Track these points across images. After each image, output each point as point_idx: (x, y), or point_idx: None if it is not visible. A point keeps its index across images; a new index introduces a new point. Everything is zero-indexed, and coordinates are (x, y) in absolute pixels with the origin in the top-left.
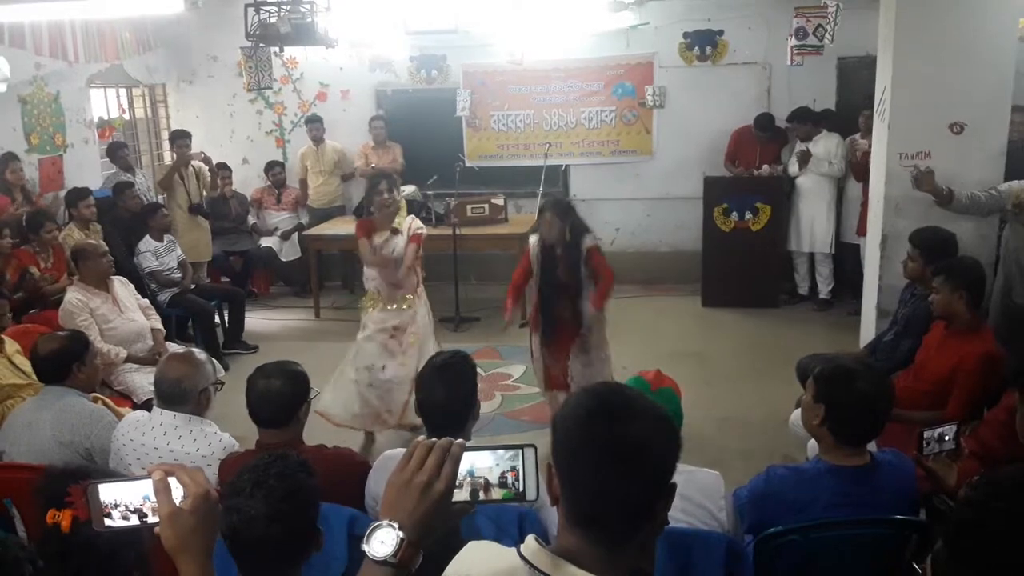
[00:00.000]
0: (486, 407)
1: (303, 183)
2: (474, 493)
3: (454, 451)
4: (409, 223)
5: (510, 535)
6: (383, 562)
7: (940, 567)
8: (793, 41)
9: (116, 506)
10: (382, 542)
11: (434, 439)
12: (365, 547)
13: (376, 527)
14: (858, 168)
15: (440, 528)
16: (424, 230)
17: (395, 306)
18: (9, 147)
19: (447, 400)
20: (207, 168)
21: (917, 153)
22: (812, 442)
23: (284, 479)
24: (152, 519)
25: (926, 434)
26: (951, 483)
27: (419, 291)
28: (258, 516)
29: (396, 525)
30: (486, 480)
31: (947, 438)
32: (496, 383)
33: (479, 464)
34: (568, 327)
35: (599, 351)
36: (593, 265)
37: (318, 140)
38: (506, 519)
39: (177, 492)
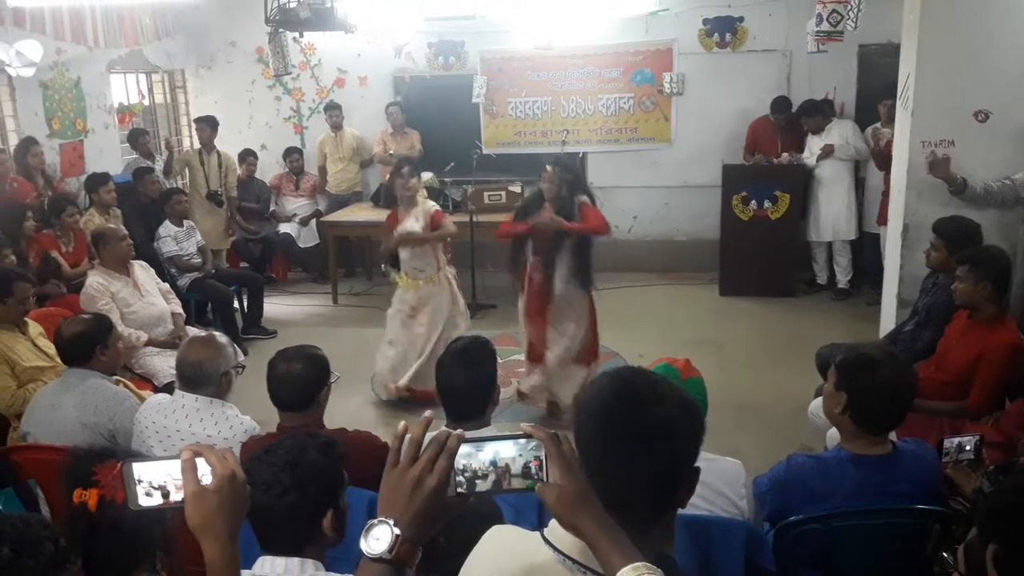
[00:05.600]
0: (503, 394)
1: (322, 170)
2: (497, 483)
3: (450, 444)
4: (426, 207)
5: (529, 520)
6: (379, 559)
7: (974, 555)
8: (813, 28)
9: (140, 482)
10: (378, 539)
11: (422, 432)
12: (362, 544)
13: (372, 524)
14: (880, 157)
15: (439, 523)
16: (443, 212)
17: (416, 287)
18: (31, 132)
19: (467, 385)
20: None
21: (940, 141)
22: (831, 431)
23: (291, 451)
24: (175, 497)
25: (946, 443)
26: (968, 491)
27: (440, 276)
28: (256, 483)
29: (391, 522)
30: (509, 469)
31: (967, 448)
32: (513, 370)
33: (502, 454)
34: (541, 292)
35: (578, 326)
36: (583, 213)
37: (337, 127)
38: (525, 503)
39: (204, 472)
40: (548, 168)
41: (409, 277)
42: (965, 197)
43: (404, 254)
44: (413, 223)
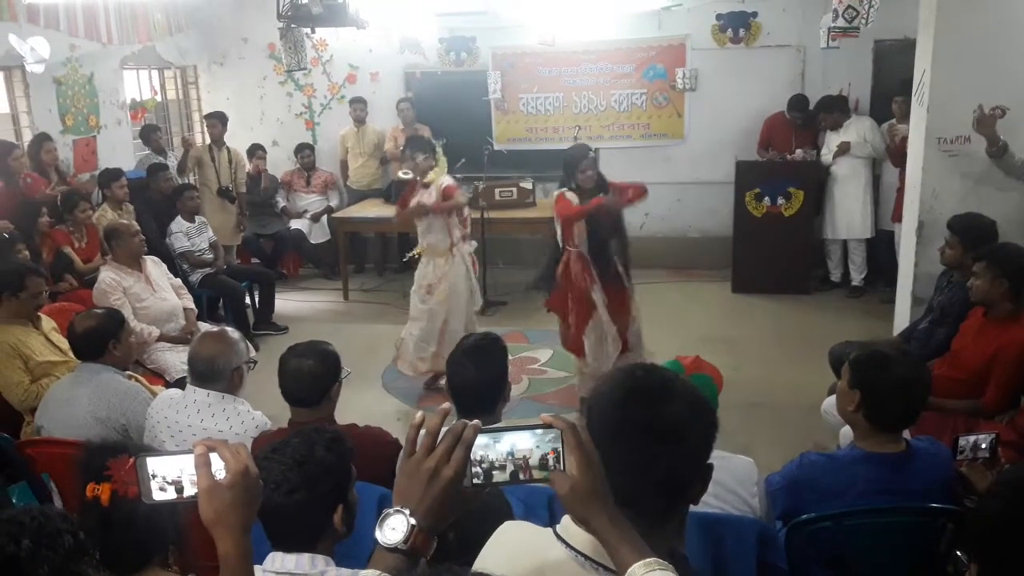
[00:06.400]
0: (513, 390)
1: (343, 164)
2: (514, 474)
3: (466, 435)
4: (439, 182)
5: (539, 516)
6: (394, 549)
7: None
8: (828, 23)
9: (154, 477)
10: (393, 529)
11: (439, 422)
12: (377, 534)
13: (387, 514)
14: (895, 153)
15: (454, 514)
16: (456, 186)
17: (432, 265)
18: (44, 128)
19: (478, 381)
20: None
21: (956, 138)
22: (844, 429)
23: (298, 449)
24: (189, 492)
25: (961, 441)
26: (983, 490)
27: (455, 251)
28: (266, 481)
29: (407, 512)
30: (527, 461)
31: (983, 446)
32: (523, 367)
33: (520, 445)
34: (617, 283)
35: (638, 310)
36: (614, 187)
37: (360, 121)
38: (535, 499)
39: (218, 467)
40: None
41: (425, 251)
42: (1001, 163)
43: (421, 228)
44: (427, 197)
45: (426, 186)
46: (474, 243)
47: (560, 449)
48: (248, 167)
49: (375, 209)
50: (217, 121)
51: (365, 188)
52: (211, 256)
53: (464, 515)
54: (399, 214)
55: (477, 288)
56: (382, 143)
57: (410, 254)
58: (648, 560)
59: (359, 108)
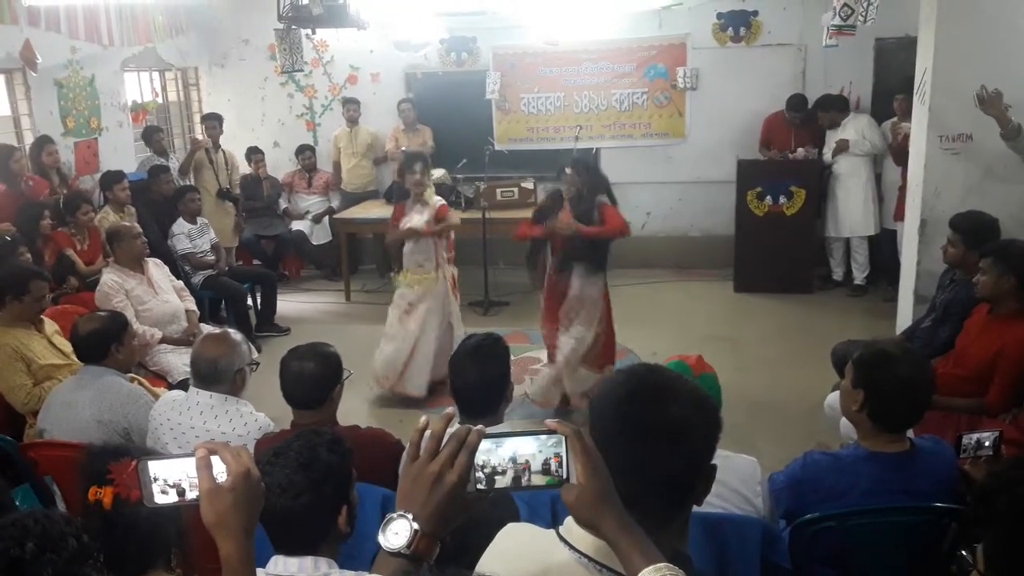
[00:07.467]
0: (515, 391)
1: (336, 165)
2: (516, 479)
3: (470, 440)
4: (432, 202)
5: (543, 517)
6: (397, 554)
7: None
8: (828, 21)
9: (156, 480)
10: (396, 533)
11: (443, 427)
12: (380, 538)
13: (391, 519)
14: (898, 152)
15: (457, 518)
16: (448, 206)
17: (416, 284)
18: (46, 130)
19: (480, 382)
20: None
21: (958, 136)
22: (843, 420)
23: (302, 452)
24: (190, 495)
25: (964, 439)
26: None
27: (439, 274)
28: (271, 486)
29: (410, 516)
30: (529, 466)
31: (986, 444)
32: (526, 367)
33: (522, 450)
34: (556, 292)
35: (587, 328)
36: (603, 215)
37: (353, 121)
38: (539, 501)
39: (220, 470)
40: (567, 169)
41: (411, 272)
42: (1015, 145)
43: (407, 247)
44: (418, 218)
45: (421, 203)
46: (454, 268)
47: (563, 454)
48: (246, 169)
49: (376, 210)
50: (216, 123)
51: (359, 190)
52: (213, 258)
53: (467, 520)
54: (389, 237)
55: (458, 313)
56: (375, 144)
57: (392, 274)
58: (659, 565)
59: (352, 108)
